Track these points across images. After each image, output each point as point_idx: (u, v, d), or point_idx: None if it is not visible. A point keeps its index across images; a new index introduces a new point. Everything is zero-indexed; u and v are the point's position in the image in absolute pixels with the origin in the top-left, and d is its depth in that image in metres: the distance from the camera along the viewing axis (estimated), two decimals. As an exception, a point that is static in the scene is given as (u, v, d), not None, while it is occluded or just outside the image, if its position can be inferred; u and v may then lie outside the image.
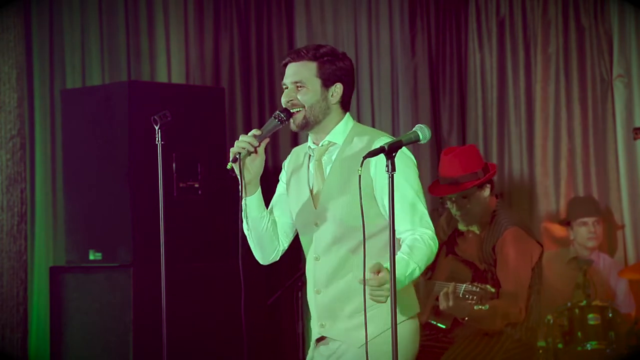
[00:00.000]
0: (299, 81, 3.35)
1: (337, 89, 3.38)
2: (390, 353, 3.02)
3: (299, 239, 3.56)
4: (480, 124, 6.46)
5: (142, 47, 6.33)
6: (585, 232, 5.91)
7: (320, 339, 3.44)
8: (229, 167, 3.31)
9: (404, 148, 3.19)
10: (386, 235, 3.19)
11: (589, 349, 5.18)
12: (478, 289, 4.46)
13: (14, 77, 5.96)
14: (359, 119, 6.35)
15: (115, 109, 5.20)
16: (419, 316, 3.47)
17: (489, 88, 6.44)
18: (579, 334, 5.23)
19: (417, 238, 3.22)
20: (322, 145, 3.41)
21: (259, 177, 3.37)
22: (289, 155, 3.58)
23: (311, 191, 3.41)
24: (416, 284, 4.08)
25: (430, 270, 5.09)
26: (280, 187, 3.55)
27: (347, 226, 3.31)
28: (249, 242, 3.47)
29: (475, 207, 4.95)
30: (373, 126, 5.82)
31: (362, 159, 3.04)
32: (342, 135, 3.39)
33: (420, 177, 3.37)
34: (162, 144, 3.94)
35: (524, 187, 6.34)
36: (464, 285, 4.51)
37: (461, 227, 5.06)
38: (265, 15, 6.64)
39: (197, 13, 6.50)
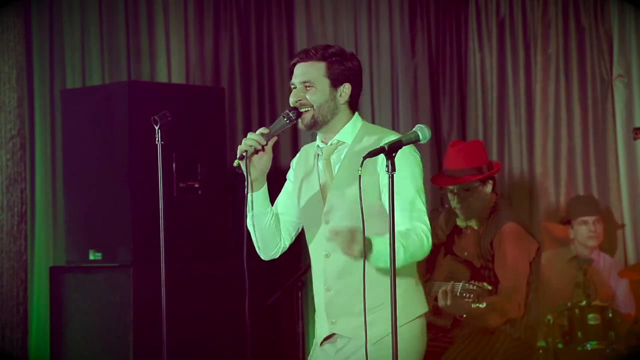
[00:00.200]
0: (308, 81, 3.36)
1: (346, 89, 3.39)
2: (401, 351, 3.05)
3: (299, 239, 3.56)
4: (480, 124, 6.46)
5: (142, 47, 6.33)
6: (585, 231, 5.91)
7: (328, 338, 3.44)
8: (235, 164, 3.32)
9: (410, 145, 3.20)
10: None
11: (589, 349, 5.18)
12: (475, 287, 4.48)
13: (14, 77, 5.95)
14: (358, 119, 6.34)
15: (115, 109, 5.19)
16: (422, 316, 3.48)
17: (489, 88, 6.44)
18: (579, 334, 5.23)
19: (410, 229, 3.22)
20: (330, 145, 3.42)
21: (266, 175, 3.39)
22: (298, 154, 3.59)
23: (320, 189, 3.42)
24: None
25: (429, 271, 5.10)
26: (287, 186, 3.56)
27: (357, 223, 3.32)
28: (251, 236, 3.47)
29: (476, 201, 4.96)
30: (373, 126, 5.81)
31: (362, 159, 3.04)
32: (351, 134, 3.40)
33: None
34: (162, 144, 3.94)
35: (524, 187, 6.34)
36: (461, 283, 4.53)
37: (460, 222, 5.06)
38: (265, 15, 6.64)
39: (197, 13, 6.49)
